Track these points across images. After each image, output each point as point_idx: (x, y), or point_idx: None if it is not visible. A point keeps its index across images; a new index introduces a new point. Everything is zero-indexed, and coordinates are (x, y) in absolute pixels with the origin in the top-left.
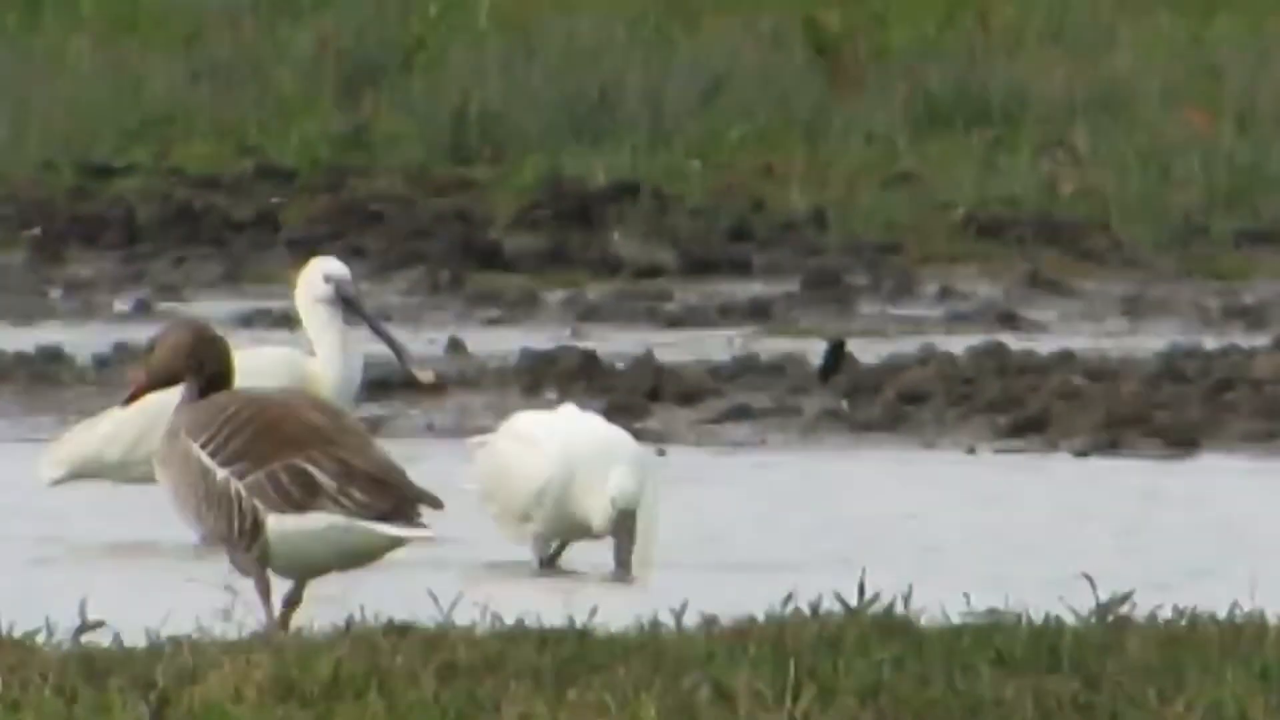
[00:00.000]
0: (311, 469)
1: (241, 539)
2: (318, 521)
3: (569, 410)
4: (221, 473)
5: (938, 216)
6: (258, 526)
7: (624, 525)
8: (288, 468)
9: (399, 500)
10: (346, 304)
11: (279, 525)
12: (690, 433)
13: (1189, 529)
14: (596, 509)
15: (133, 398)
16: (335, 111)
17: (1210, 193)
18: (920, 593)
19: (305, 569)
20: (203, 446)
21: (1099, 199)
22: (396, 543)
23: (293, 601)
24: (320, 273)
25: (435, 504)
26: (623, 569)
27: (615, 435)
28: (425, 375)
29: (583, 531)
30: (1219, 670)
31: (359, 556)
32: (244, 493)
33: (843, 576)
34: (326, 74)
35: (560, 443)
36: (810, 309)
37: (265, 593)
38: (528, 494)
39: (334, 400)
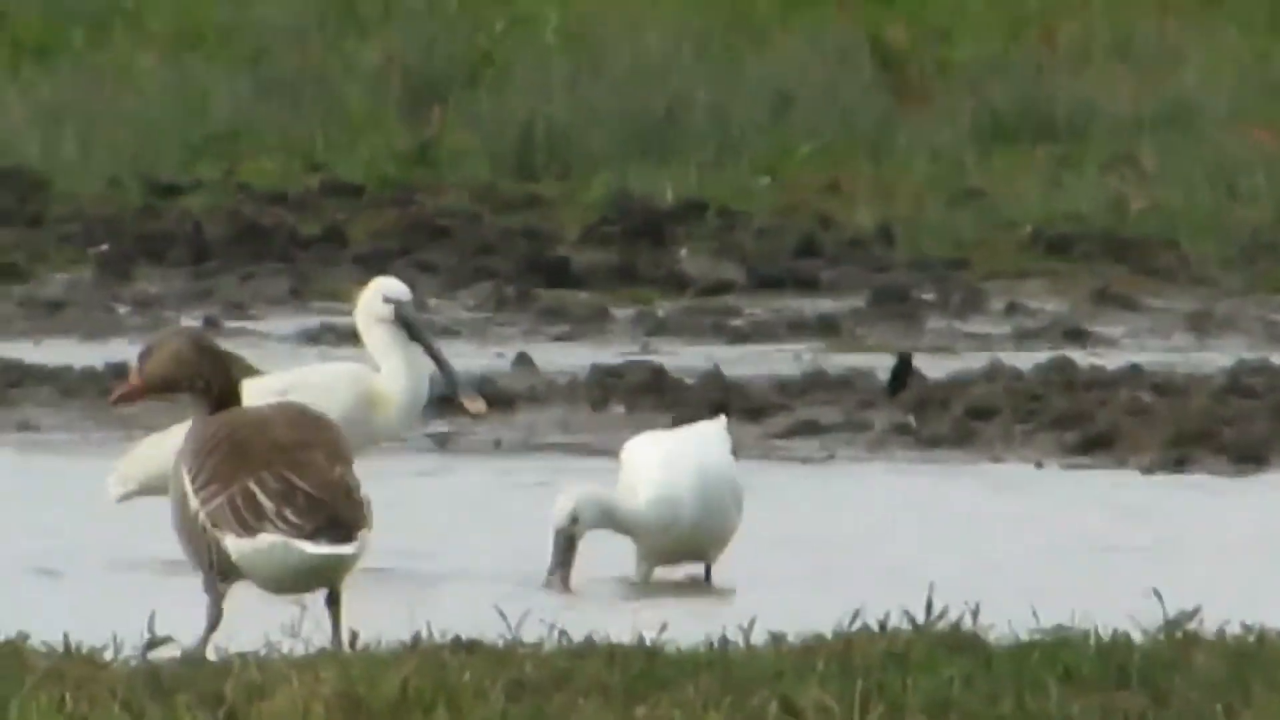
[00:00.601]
0: (257, 490)
1: (212, 567)
2: (263, 542)
3: (687, 432)
4: (195, 500)
5: (1005, 232)
6: (223, 552)
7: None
8: (241, 490)
9: (327, 519)
10: (405, 325)
11: (236, 548)
12: (758, 448)
13: (1256, 545)
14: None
15: (122, 399)
16: (402, 127)
17: (1277, 209)
18: (988, 609)
19: (277, 589)
20: (188, 473)
21: (1166, 215)
22: (324, 561)
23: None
24: (380, 294)
25: (360, 524)
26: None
27: (715, 452)
28: (476, 405)
29: (687, 550)
30: None
31: (303, 575)
32: (205, 519)
33: (910, 592)
34: (393, 90)
35: (662, 462)
36: (877, 325)
37: (213, 620)
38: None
39: (401, 417)
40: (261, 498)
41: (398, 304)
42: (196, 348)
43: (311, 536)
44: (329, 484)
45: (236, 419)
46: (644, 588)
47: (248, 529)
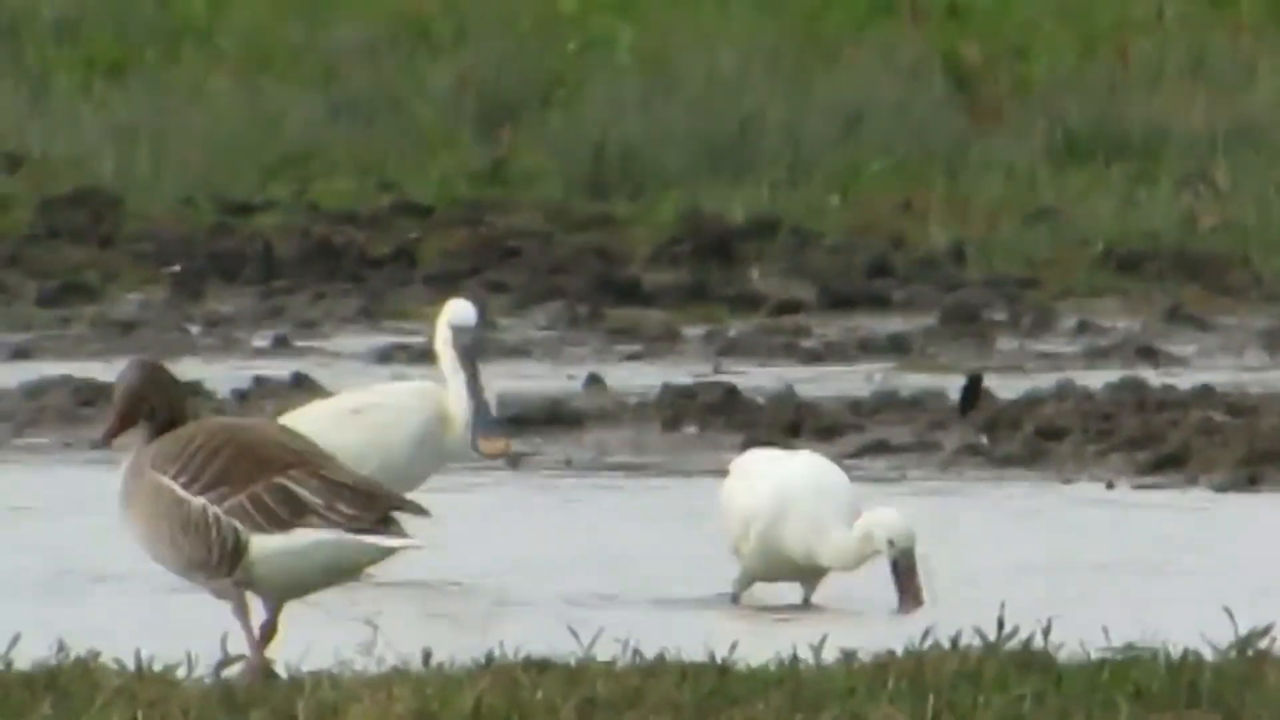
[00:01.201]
0: (295, 487)
1: (222, 564)
2: (304, 538)
3: (802, 454)
4: (198, 500)
5: (1077, 251)
6: (239, 550)
7: (906, 561)
8: (270, 487)
9: (384, 512)
10: (462, 352)
11: (263, 545)
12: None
13: None
14: (830, 544)
15: (108, 436)
16: (474, 147)
17: None
18: (1059, 628)
19: (292, 588)
20: (174, 478)
21: (1239, 233)
22: (386, 553)
23: (269, 632)
24: (446, 318)
25: (420, 512)
26: (913, 600)
27: (831, 474)
28: (492, 446)
29: (790, 569)
30: None
31: (347, 571)
32: (223, 517)
33: (981, 610)
34: (465, 109)
35: (774, 478)
36: (949, 344)
37: (245, 616)
38: (738, 529)
39: (466, 437)
40: (304, 493)
41: (455, 329)
42: (144, 382)
43: (372, 530)
44: (369, 481)
45: (219, 426)
46: (717, 605)
47: (281, 525)
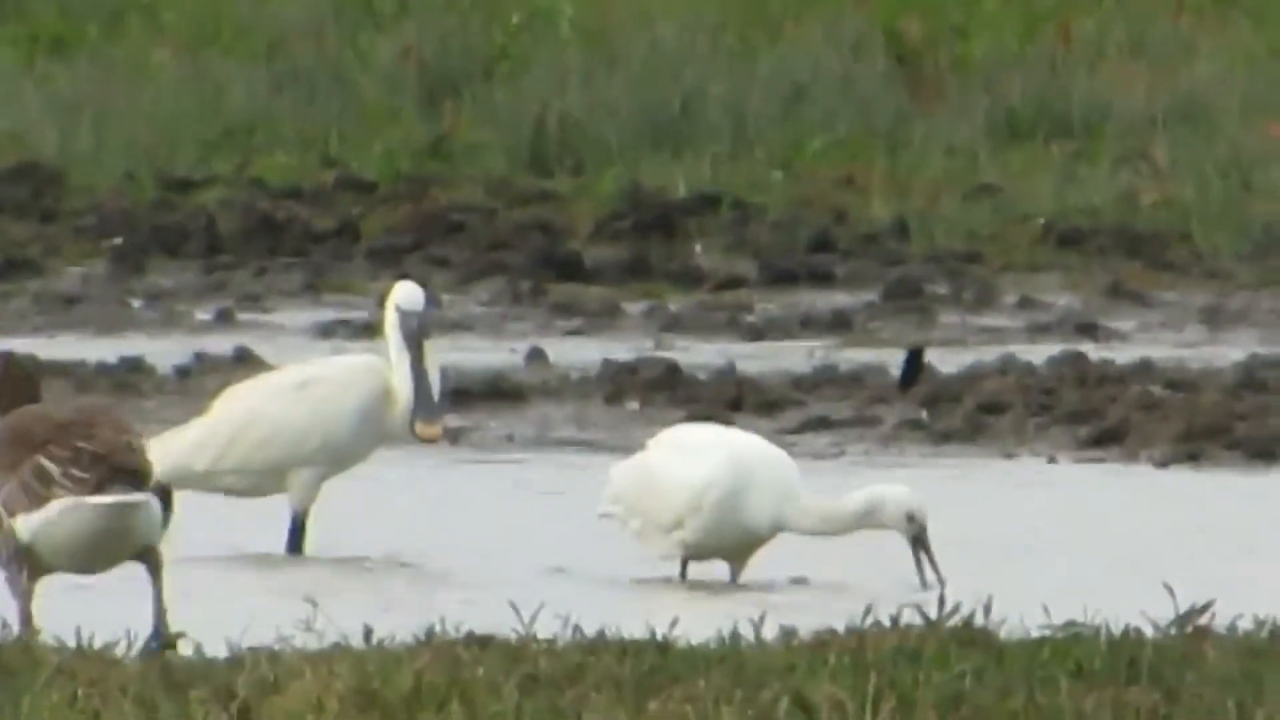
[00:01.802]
0: (46, 462)
1: (12, 561)
2: (53, 509)
3: (721, 429)
4: None
5: (1018, 227)
6: (14, 535)
7: (922, 537)
8: (31, 467)
9: (110, 469)
10: (407, 335)
11: (26, 525)
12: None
13: (1269, 540)
14: (805, 509)
15: None
16: (417, 122)
17: None
18: (1000, 604)
19: (79, 559)
20: None
21: (1179, 210)
22: (109, 511)
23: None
24: (394, 300)
25: (146, 474)
26: (935, 574)
27: (778, 451)
28: (430, 432)
29: (737, 543)
30: None
31: (101, 535)
32: (2, 510)
33: (922, 588)
34: (408, 84)
35: (728, 448)
36: (891, 319)
37: (24, 619)
38: (684, 502)
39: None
40: (49, 465)
41: (402, 313)
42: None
43: (98, 489)
44: (110, 442)
45: (16, 415)
46: (657, 582)
47: (38, 500)
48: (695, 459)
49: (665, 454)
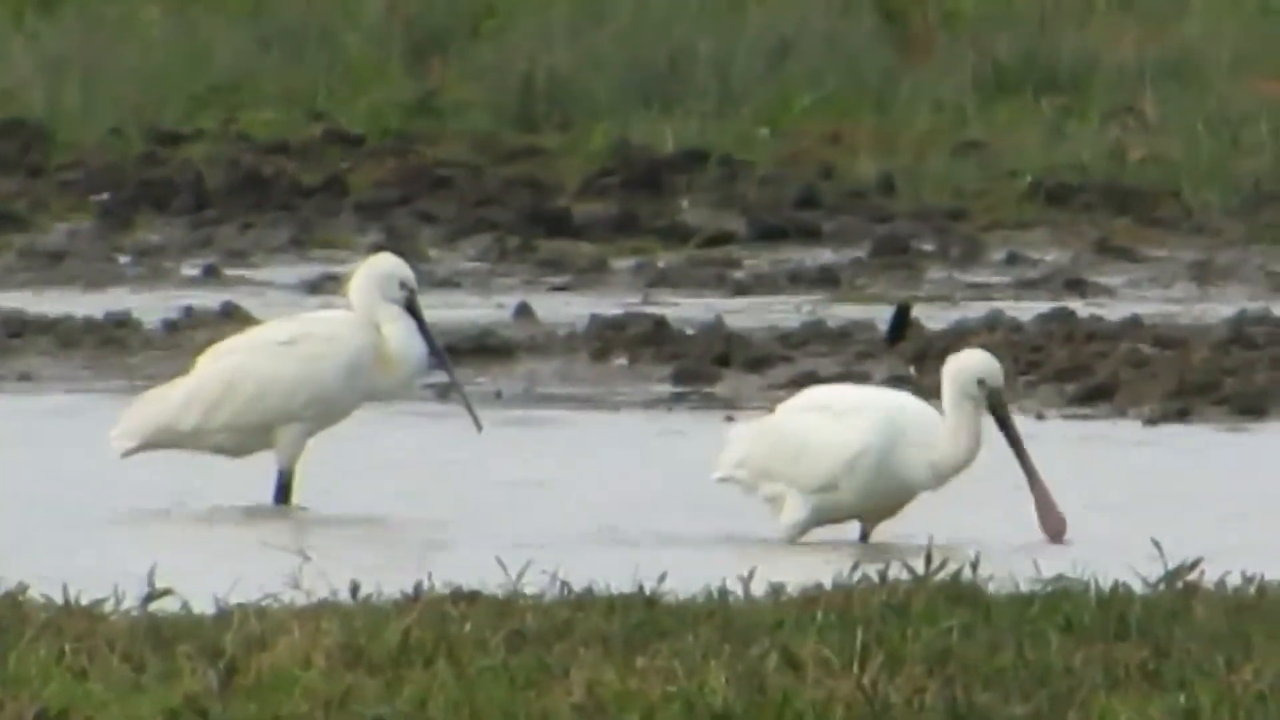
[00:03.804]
0: None
1: None
2: None
3: (863, 389)
4: None
5: (1006, 183)
6: None
7: (998, 403)
8: None
9: None
10: (414, 314)
11: None
12: (759, 399)
13: (1257, 496)
14: (943, 441)
15: None
16: (404, 78)
17: (1279, 159)
18: (988, 560)
19: None
20: None
21: (1168, 166)
22: None
23: None
24: (396, 278)
25: None
26: (1016, 436)
27: (928, 408)
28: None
29: (891, 502)
30: None
31: None
32: None
33: (910, 543)
34: (395, 40)
35: (881, 411)
36: (878, 275)
37: None
38: (838, 461)
39: (405, 382)
40: None
41: (412, 290)
42: None
43: None
44: None
45: None
46: (644, 537)
47: None
48: (848, 420)
49: (813, 418)
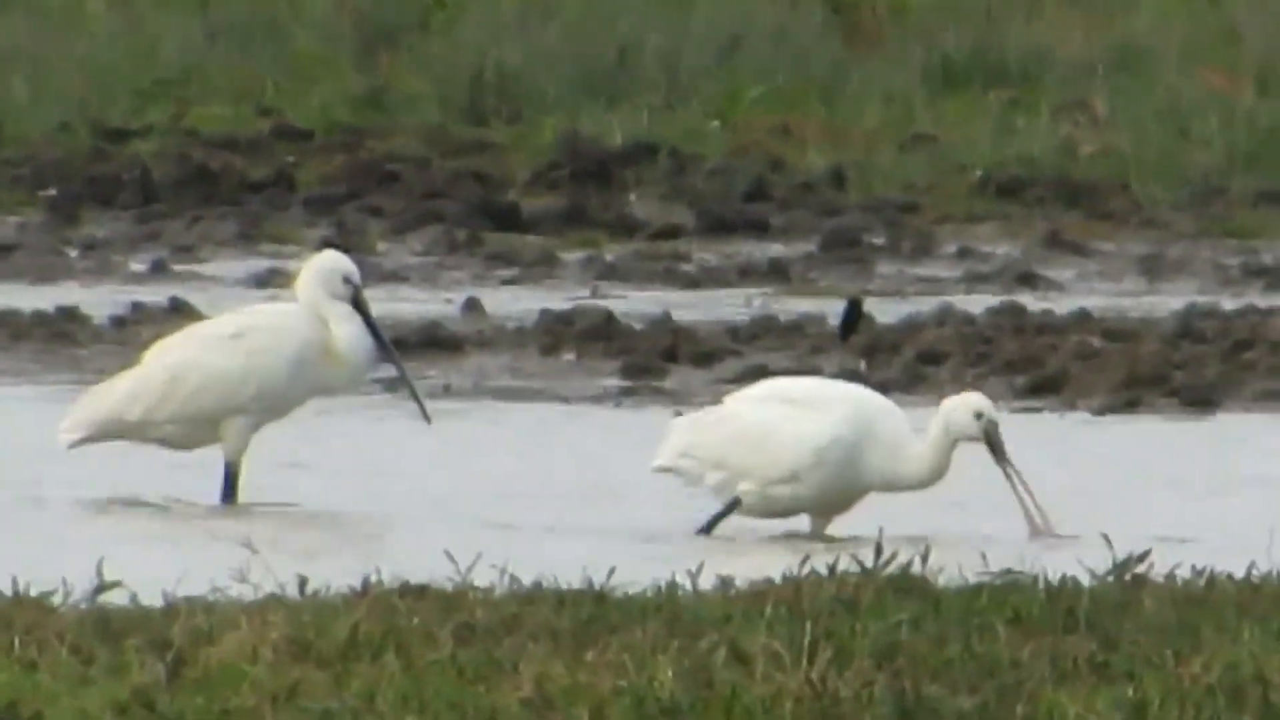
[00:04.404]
0: None
1: None
2: None
3: (823, 380)
4: None
5: (956, 177)
6: None
7: (994, 436)
8: None
9: None
10: (360, 311)
11: None
12: (708, 393)
13: (1206, 489)
14: (910, 458)
15: None
16: (352, 72)
17: (1229, 153)
18: (937, 553)
19: None
20: None
21: (1118, 159)
22: None
23: None
24: (341, 273)
25: None
26: (1006, 459)
27: (891, 404)
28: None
29: (847, 498)
30: (1236, 630)
31: None
32: None
33: (860, 536)
34: (344, 34)
35: (850, 402)
36: (828, 269)
37: None
38: (803, 454)
39: (352, 377)
40: None
41: (357, 286)
42: None
43: None
44: None
45: None
46: (593, 531)
47: None
48: (813, 413)
49: (774, 409)
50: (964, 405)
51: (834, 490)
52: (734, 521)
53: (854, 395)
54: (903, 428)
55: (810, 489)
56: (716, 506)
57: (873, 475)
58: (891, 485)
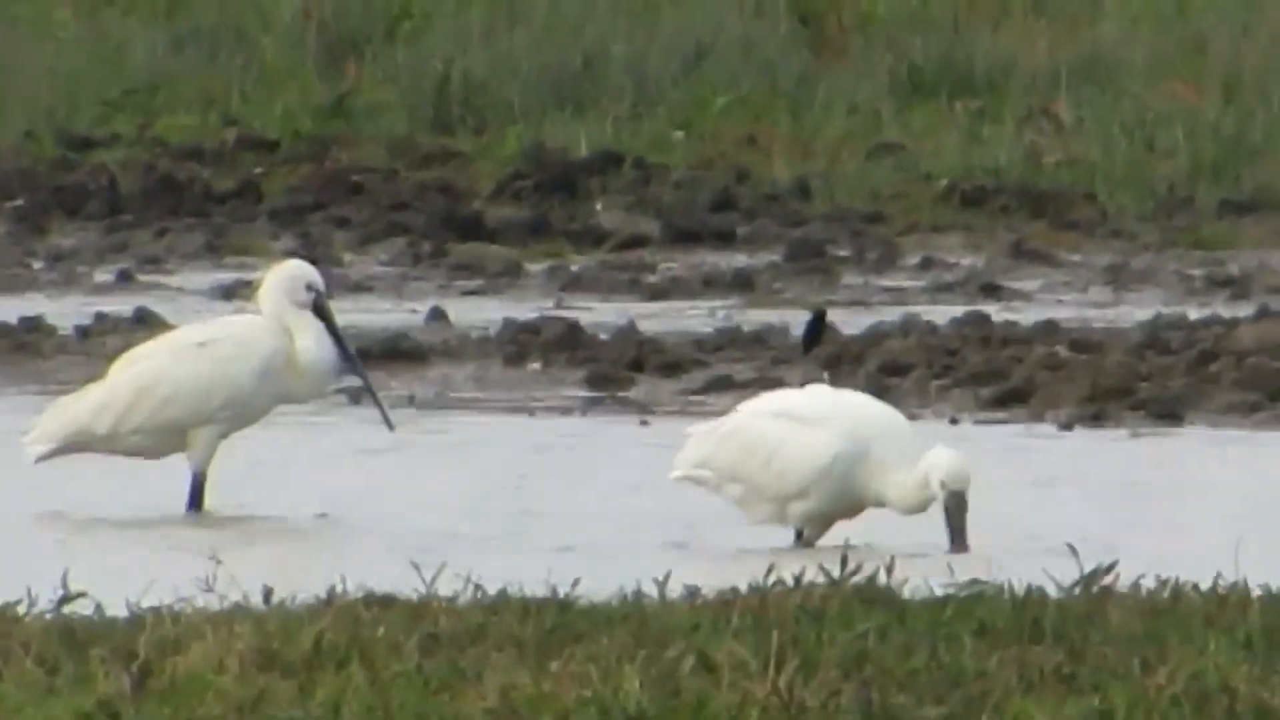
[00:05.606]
0: None
1: None
2: None
3: (824, 388)
4: None
5: (921, 187)
6: None
7: (958, 505)
8: None
9: None
10: (322, 316)
11: None
12: (673, 404)
13: (1172, 501)
14: (892, 485)
15: None
16: (318, 82)
17: (1195, 163)
18: (903, 564)
19: None
20: None
21: (1083, 169)
22: None
23: None
24: (304, 281)
25: None
26: (959, 542)
27: (894, 413)
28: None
29: (856, 508)
30: (1202, 640)
31: None
32: None
33: (825, 547)
34: (309, 44)
35: (852, 418)
36: (793, 279)
37: None
38: (808, 471)
39: (314, 387)
40: None
41: (319, 293)
42: None
43: None
44: None
45: None
46: (559, 541)
47: None
48: (818, 427)
49: (782, 423)
50: (937, 468)
51: (840, 502)
52: (706, 530)
53: (856, 413)
54: (894, 451)
55: (819, 503)
56: (744, 515)
57: (867, 493)
58: (881, 505)
